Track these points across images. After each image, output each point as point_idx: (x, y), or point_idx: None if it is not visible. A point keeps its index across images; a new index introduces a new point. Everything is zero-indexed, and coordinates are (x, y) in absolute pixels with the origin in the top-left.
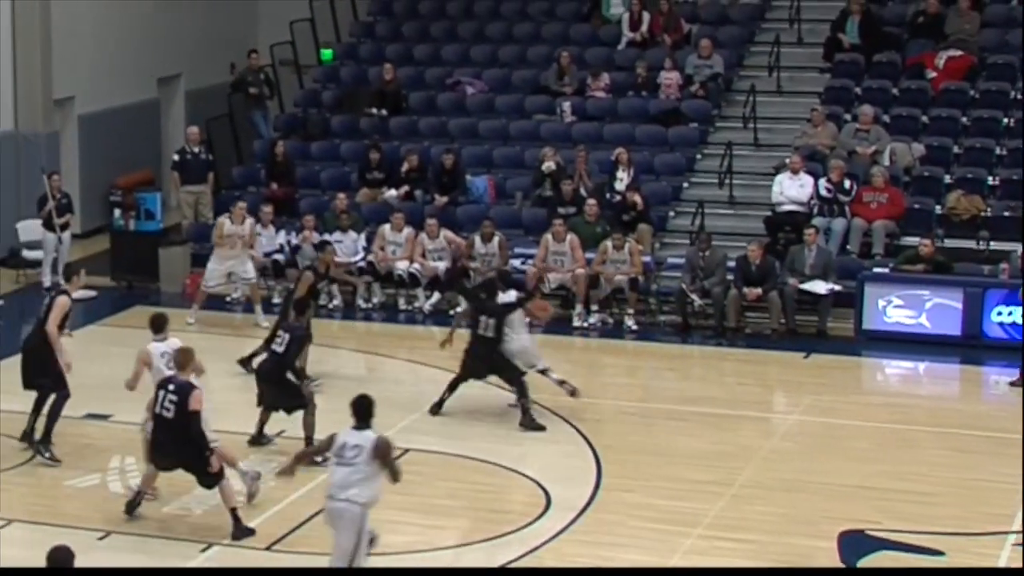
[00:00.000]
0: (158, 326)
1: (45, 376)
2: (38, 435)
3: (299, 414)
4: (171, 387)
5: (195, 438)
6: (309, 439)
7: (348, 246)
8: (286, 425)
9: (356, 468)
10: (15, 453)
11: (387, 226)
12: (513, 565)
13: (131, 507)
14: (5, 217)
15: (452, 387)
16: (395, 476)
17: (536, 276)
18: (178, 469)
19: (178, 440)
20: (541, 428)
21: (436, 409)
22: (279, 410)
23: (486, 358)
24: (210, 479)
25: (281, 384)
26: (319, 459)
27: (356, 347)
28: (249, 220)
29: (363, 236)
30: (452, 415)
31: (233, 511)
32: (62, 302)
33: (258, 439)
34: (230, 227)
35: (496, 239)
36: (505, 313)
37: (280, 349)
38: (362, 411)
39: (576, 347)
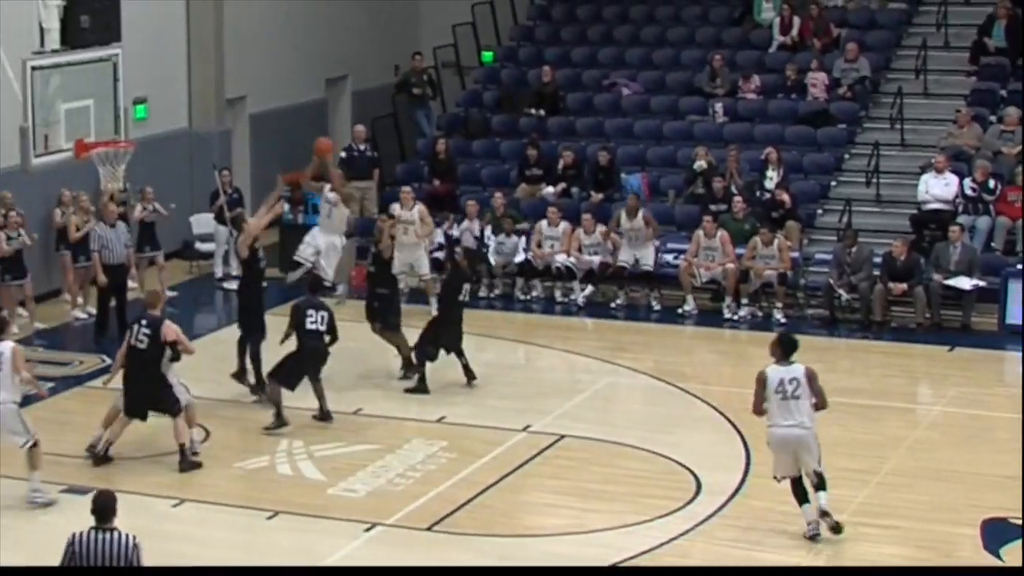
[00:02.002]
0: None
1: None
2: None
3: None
4: (143, 321)
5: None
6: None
7: (509, 247)
8: (362, 404)
9: (800, 400)
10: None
11: (544, 222)
12: (664, 548)
13: (98, 459)
14: (179, 211)
15: (459, 353)
16: (823, 402)
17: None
18: (149, 412)
19: (148, 371)
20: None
21: (472, 378)
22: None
23: (460, 321)
24: (175, 409)
25: (325, 357)
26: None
27: (514, 337)
28: (419, 206)
29: (523, 239)
30: (605, 402)
31: (182, 446)
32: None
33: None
34: (399, 212)
35: (640, 213)
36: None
37: (323, 327)
38: (788, 347)
39: (726, 338)
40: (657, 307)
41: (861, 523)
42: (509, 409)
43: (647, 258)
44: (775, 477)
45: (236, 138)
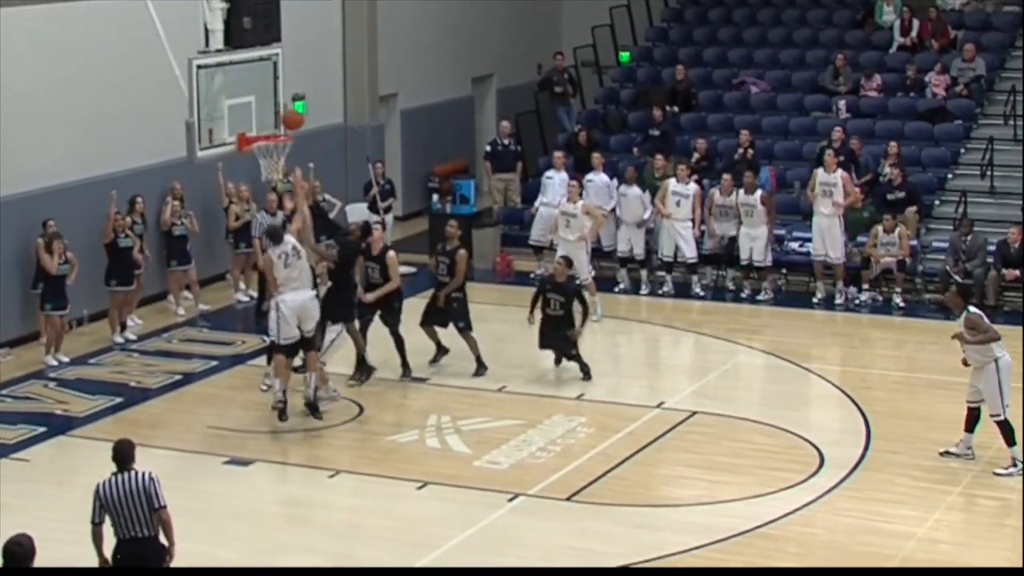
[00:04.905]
0: (277, 238)
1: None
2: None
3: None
4: None
5: None
6: None
7: (632, 198)
8: (506, 382)
9: None
10: (343, 411)
11: (673, 180)
12: (790, 518)
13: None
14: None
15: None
16: None
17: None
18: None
19: None
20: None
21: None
22: None
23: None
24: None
25: None
26: None
27: (647, 319)
28: (583, 201)
29: (647, 194)
30: (734, 381)
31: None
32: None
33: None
34: (563, 204)
35: (758, 193)
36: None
37: None
38: (969, 292)
39: (847, 321)
40: (777, 291)
41: (973, 494)
42: (644, 387)
43: (759, 246)
44: (999, 414)
45: (388, 132)
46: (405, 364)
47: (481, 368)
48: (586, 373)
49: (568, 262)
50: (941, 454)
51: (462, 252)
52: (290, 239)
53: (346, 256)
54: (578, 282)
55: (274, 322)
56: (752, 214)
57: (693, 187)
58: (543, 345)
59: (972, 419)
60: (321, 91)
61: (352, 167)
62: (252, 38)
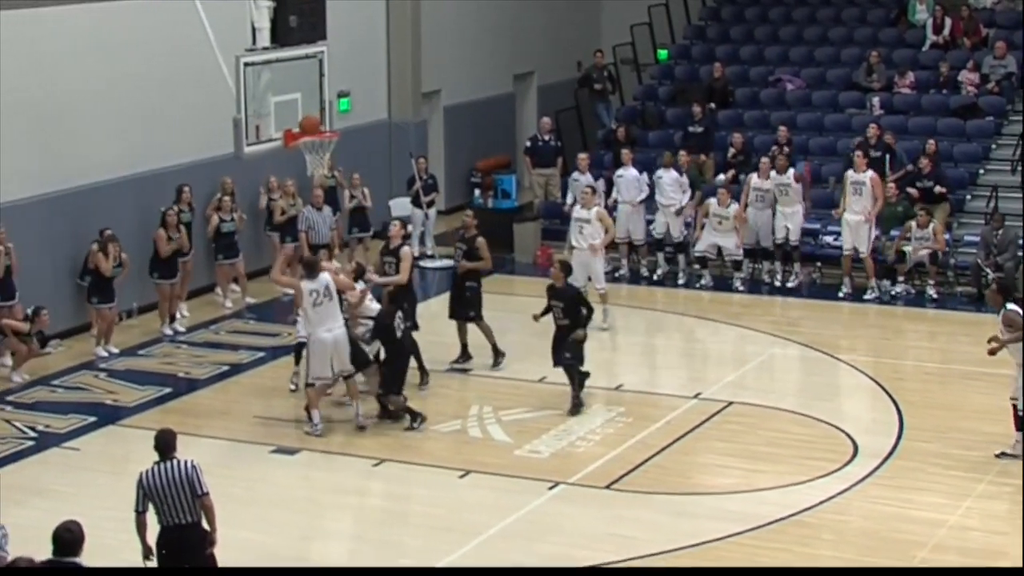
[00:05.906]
0: (312, 272)
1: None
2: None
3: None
4: None
5: None
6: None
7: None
8: (546, 373)
9: None
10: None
11: (714, 200)
12: (824, 505)
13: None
14: (379, 195)
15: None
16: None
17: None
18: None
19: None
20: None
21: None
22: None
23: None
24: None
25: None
26: None
27: (685, 311)
28: (598, 209)
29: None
30: (770, 372)
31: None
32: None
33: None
34: (577, 210)
35: (791, 172)
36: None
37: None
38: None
39: (881, 314)
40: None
41: (1003, 483)
42: (681, 378)
43: (795, 224)
44: None
45: (431, 128)
46: (422, 370)
47: (497, 356)
48: (575, 405)
49: (565, 266)
50: (997, 456)
51: (481, 239)
52: (325, 277)
53: (393, 343)
54: (583, 288)
55: (307, 359)
56: (787, 193)
57: (733, 208)
58: (556, 363)
59: (1021, 418)
60: (366, 88)
61: (396, 162)
62: (298, 36)
